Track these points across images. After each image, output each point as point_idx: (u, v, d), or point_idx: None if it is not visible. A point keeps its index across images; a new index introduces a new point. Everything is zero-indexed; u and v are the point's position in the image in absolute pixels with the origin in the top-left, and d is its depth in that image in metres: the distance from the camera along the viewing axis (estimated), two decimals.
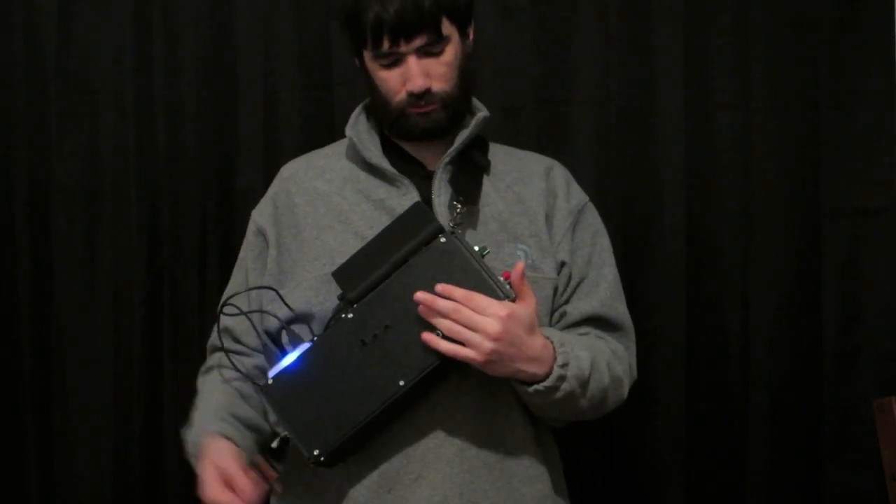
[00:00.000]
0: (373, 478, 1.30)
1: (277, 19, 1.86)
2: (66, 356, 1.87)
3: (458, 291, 1.22)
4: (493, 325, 1.20)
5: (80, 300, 1.86)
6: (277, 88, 1.86)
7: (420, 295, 1.22)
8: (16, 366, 1.87)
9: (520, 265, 1.24)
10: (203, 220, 1.87)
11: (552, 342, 1.28)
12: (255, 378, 1.38)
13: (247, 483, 1.25)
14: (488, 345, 1.20)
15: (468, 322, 1.20)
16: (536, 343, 1.25)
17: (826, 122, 1.84)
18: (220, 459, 1.27)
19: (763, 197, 1.85)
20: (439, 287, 1.22)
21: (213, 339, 1.46)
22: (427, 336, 1.22)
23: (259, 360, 1.42)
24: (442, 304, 1.22)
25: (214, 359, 1.46)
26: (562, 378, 1.26)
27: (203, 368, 1.48)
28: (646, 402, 1.82)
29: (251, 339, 1.42)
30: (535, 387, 1.26)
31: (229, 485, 1.25)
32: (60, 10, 1.85)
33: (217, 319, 1.38)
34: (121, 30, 1.86)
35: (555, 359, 1.27)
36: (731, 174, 1.86)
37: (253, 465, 1.31)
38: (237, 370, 1.38)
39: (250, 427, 1.36)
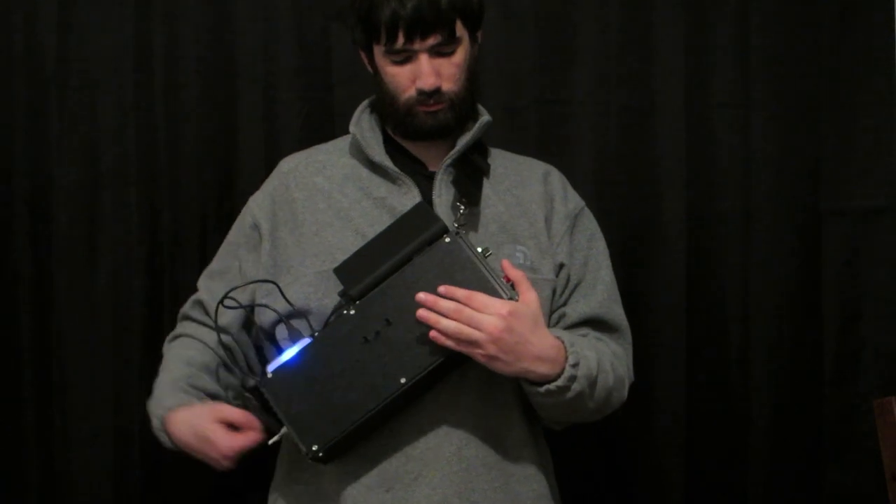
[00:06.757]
0: (372, 477, 1.30)
1: (277, 19, 1.86)
2: (66, 356, 1.86)
3: (459, 292, 1.22)
4: (495, 323, 1.20)
5: (80, 300, 1.86)
6: (277, 88, 1.86)
7: (422, 296, 1.23)
8: (16, 366, 1.87)
9: (505, 262, 1.26)
10: (203, 220, 1.87)
11: (563, 342, 1.28)
12: (215, 348, 1.39)
13: (250, 416, 1.28)
14: (492, 343, 1.20)
15: (470, 321, 1.21)
16: (544, 341, 1.25)
17: (826, 123, 1.84)
18: (213, 412, 1.29)
19: (763, 197, 1.85)
20: (441, 288, 1.23)
21: (186, 308, 1.48)
22: (435, 334, 1.22)
23: (225, 337, 1.39)
24: (444, 304, 1.22)
25: (181, 327, 1.48)
26: (573, 378, 1.26)
27: (170, 336, 1.49)
28: (646, 402, 1.82)
29: (222, 319, 1.40)
30: (547, 387, 1.26)
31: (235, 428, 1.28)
32: (60, 9, 1.85)
33: (215, 312, 1.36)
34: (121, 29, 1.86)
35: (566, 358, 1.27)
36: (731, 174, 1.86)
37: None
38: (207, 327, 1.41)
39: (212, 397, 1.37)
